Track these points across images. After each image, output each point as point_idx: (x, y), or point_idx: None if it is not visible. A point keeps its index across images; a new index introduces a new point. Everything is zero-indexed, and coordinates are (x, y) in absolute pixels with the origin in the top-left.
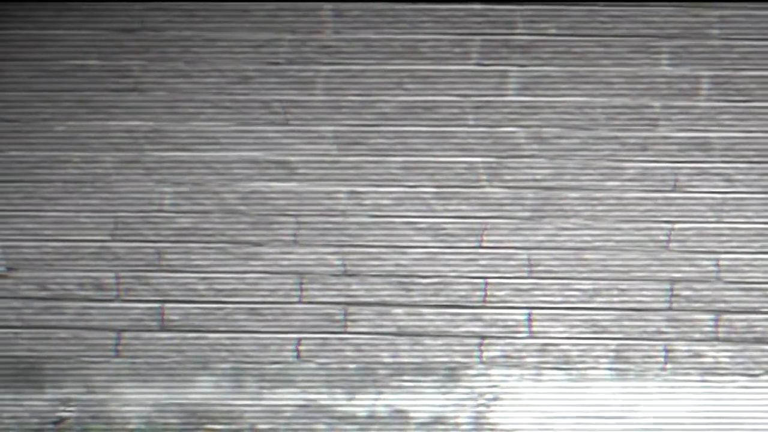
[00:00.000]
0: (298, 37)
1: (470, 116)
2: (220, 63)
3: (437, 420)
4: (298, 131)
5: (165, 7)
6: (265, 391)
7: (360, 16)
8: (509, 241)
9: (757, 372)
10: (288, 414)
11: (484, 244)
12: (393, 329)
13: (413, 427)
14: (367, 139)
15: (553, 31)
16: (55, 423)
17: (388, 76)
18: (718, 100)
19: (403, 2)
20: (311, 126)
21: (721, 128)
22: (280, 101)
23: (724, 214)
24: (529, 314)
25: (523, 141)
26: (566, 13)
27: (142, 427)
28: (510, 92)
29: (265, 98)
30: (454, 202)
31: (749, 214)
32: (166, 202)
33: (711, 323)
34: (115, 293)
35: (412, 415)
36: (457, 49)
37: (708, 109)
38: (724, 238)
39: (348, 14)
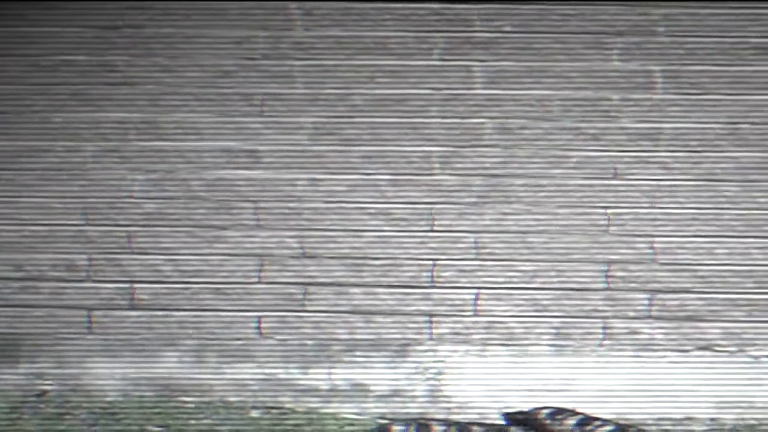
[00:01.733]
0: (271, 34)
1: (435, 108)
2: (200, 58)
3: (395, 393)
4: (272, 122)
5: (147, 6)
6: (228, 365)
7: (327, 15)
8: (457, 225)
9: (688, 348)
10: (255, 387)
11: (435, 228)
12: (348, 308)
13: (373, 399)
14: (336, 130)
15: (509, 29)
16: (37, 396)
17: (360, 70)
18: (670, 93)
19: (364, 1)
20: (286, 117)
21: (669, 119)
22: (258, 94)
23: (659, 200)
24: (476, 294)
25: (482, 132)
26: (520, 11)
27: (120, 399)
28: (474, 86)
29: (243, 91)
30: (406, 188)
31: (682, 200)
32: (136, 188)
33: (646, 302)
34: (87, 274)
35: (371, 388)
36: (421, 46)
37: (659, 102)
38: (659, 223)
39: (315, 12)
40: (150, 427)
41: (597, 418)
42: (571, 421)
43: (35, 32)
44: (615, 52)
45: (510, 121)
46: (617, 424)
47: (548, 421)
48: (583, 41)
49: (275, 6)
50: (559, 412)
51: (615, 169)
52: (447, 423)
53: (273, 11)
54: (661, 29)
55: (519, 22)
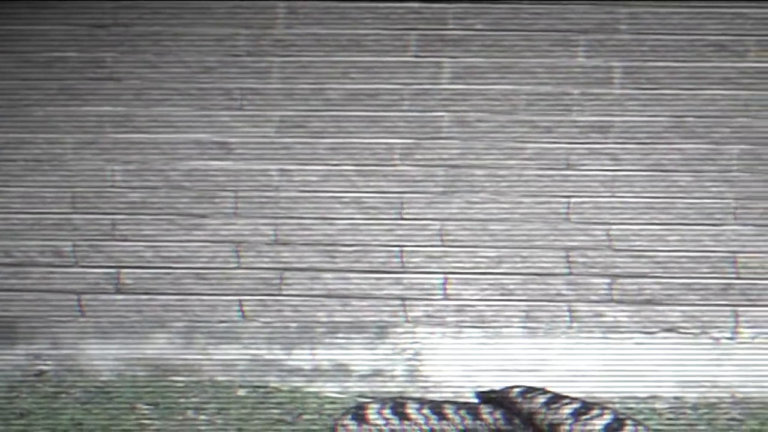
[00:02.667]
0: (253, 32)
1: (407, 102)
2: (184, 55)
3: (375, 372)
4: (248, 116)
5: (134, 5)
6: (215, 347)
7: (309, 13)
8: (424, 214)
9: (653, 330)
10: (242, 367)
11: (404, 216)
12: (324, 292)
13: (355, 378)
14: (306, 123)
15: (480, 27)
16: (34, 375)
17: (336, 66)
18: (629, 88)
19: (346, 0)
20: (264, 111)
21: (623, 113)
22: (236, 89)
23: (615, 189)
24: (444, 278)
25: (441, 125)
26: (491, 10)
27: (113, 378)
28: (444, 81)
29: (225, 86)
30: (373, 179)
31: (636, 189)
32: (117, 179)
33: (606, 287)
34: (74, 260)
35: (353, 368)
36: (396, 43)
37: (619, 96)
38: (615, 211)
39: (299, 11)
40: (140, 405)
41: (565, 397)
42: (541, 399)
43: (28, 30)
44: (580, 49)
45: (468, 114)
46: (584, 402)
47: (519, 400)
48: (551, 39)
49: (261, 5)
50: (529, 391)
51: (568, 160)
52: (421, 402)
53: (258, 10)
54: (625, 27)
55: (490, 20)
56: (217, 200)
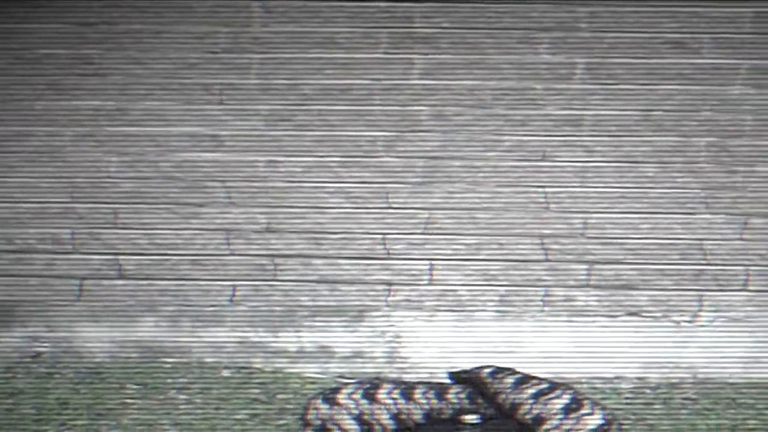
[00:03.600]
0: (232, 30)
1: (379, 97)
2: (167, 52)
3: (356, 354)
4: (232, 110)
5: (120, 4)
6: (203, 329)
7: (285, 12)
8: (409, 203)
9: (618, 313)
10: (230, 349)
11: (390, 205)
12: (315, 277)
13: (337, 360)
14: (290, 116)
15: (447, 25)
16: (31, 357)
17: (311, 63)
18: (590, 83)
19: (319, 0)
20: (244, 105)
21: (590, 107)
22: (217, 84)
23: (588, 180)
24: (430, 264)
25: (421, 118)
26: (458, 9)
27: (106, 360)
28: (414, 77)
29: (205, 82)
30: (357, 170)
31: (609, 180)
32: (113, 170)
33: (584, 272)
34: (73, 247)
35: (335, 350)
36: (368, 40)
37: (581, 91)
38: (590, 201)
39: (275, 10)
40: (129, 385)
41: (533, 377)
42: (510, 380)
43: (18, 28)
44: (543, 46)
45: (444, 108)
46: (550, 384)
47: (489, 380)
48: (514, 36)
49: (239, 4)
50: (499, 372)
51: (544, 152)
52: (396, 384)
53: (236, 9)
54: (585, 25)
55: (457, 19)
56: (208, 190)
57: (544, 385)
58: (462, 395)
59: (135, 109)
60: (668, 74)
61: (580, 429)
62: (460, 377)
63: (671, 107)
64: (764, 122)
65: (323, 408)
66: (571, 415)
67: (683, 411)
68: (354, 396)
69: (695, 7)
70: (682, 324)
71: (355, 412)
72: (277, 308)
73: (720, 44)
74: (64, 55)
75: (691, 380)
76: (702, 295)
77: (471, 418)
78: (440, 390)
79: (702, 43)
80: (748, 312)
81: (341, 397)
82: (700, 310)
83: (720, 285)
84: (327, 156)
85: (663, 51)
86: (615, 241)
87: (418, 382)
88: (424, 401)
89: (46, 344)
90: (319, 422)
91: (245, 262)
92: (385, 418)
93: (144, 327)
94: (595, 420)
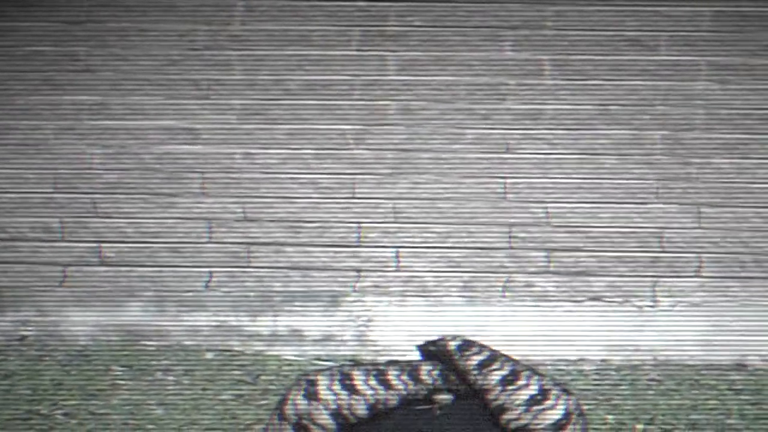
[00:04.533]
0: (212, 28)
1: (353, 92)
2: (151, 49)
3: (327, 338)
4: (212, 104)
5: (106, 3)
6: (185, 314)
7: (264, 11)
8: (377, 193)
9: (580, 299)
10: (208, 332)
11: (356, 195)
12: (287, 264)
13: (309, 343)
14: (267, 110)
15: (419, 23)
16: (19, 340)
17: (288, 59)
18: (557, 79)
19: None
20: (224, 100)
21: (554, 102)
22: (201, 80)
23: (549, 171)
24: (397, 252)
25: (389, 112)
26: (429, 8)
27: (90, 343)
28: (389, 73)
29: (187, 77)
30: (329, 161)
31: (568, 171)
32: (96, 161)
33: (544, 259)
34: (60, 235)
35: (306, 333)
36: (342, 38)
37: (548, 86)
38: (550, 190)
39: (254, 9)
40: (115, 367)
41: (501, 356)
42: (475, 360)
43: (8, 26)
44: (509, 43)
45: (412, 103)
46: (514, 367)
47: (456, 356)
48: (483, 34)
49: (219, 3)
50: (466, 347)
51: (507, 144)
52: (367, 369)
53: (218, 7)
54: (550, 24)
55: (428, 17)
56: (187, 181)
57: (508, 370)
58: (435, 373)
59: (120, 103)
60: (629, 70)
61: (539, 424)
62: (428, 350)
63: (630, 102)
64: (719, 116)
65: (302, 404)
66: (533, 408)
67: (648, 392)
68: (333, 387)
69: (656, 6)
70: (644, 309)
71: (333, 407)
72: (252, 294)
73: (678, 42)
74: (52, 52)
75: (652, 362)
76: (658, 281)
77: (444, 397)
78: (413, 370)
79: (659, 41)
80: (703, 297)
81: (321, 390)
82: (658, 296)
83: (675, 271)
84: (301, 148)
85: (623, 48)
86: (574, 229)
87: (390, 363)
88: (401, 386)
89: (33, 328)
90: (295, 417)
91: (221, 249)
92: (362, 409)
93: (126, 311)
94: (556, 414)
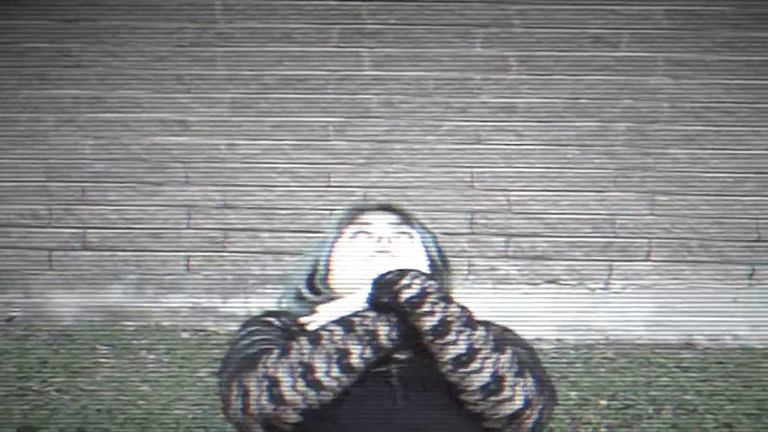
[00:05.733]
0: (198, 26)
1: (331, 87)
2: (140, 45)
3: None
4: (198, 98)
5: (97, 2)
6: (163, 296)
7: (244, 10)
8: (350, 182)
9: (537, 282)
10: (184, 313)
11: (331, 184)
12: (261, 249)
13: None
14: (250, 103)
15: (392, 21)
16: (7, 320)
17: (269, 55)
18: (523, 74)
19: None
20: (209, 94)
21: (521, 96)
22: (188, 75)
23: (514, 161)
24: None
25: (369, 105)
26: (402, 7)
27: (74, 323)
28: (365, 68)
29: (175, 72)
30: (308, 152)
31: (532, 161)
32: (87, 152)
33: (503, 244)
34: (48, 221)
35: None
36: (320, 35)
37: (514, 81)
38: (513, 180)
39: (234, 8)
40: (98, 346)
41: (454, 323)
42: (428, 324)
43: (5, 24)
44: (478, 40)
45: (391, 97)
46: (469, 343)
47: (408, 311)
48: (453, 32)
49: (202, 2)
50: (419, 301)
51: (478, 136)
52: (329, 353)
53: (200, 7)
54: (517, 22)
55: (401, 16)
56: (171, 170)
57: (464, 347)
58: (394, 335)
59: (111, 97)
60: (592, 66)
61: (495, 414)
62: (380, 303)
63: (594, 96)
64: (677, 109)
65: (268, 407)
66: (490, 399)
67: (602, 369)
68: (299, 387)
69: (614, 5)
70: (597, 291)
71: (302, 407)
72: (231, 277)
73: (637, 39)
74: (47, 49)
75: (605, 341)
76: (612, 265)
77: (401, 355)
78: (373, 338)
79: (621, 38)
80: (654, 280)
81: (286, 393)
82: (611, 278)
83: (627, 255)
84: (281, 140)
85: (586, 45)
86: (533, 216)
87: (345, 325)
88: (362, 366)
89: (19, 309)
90: (261, 417)
91: (199, 235)
92: (328, 400)
93: (108, 294)
94: (515, 405)
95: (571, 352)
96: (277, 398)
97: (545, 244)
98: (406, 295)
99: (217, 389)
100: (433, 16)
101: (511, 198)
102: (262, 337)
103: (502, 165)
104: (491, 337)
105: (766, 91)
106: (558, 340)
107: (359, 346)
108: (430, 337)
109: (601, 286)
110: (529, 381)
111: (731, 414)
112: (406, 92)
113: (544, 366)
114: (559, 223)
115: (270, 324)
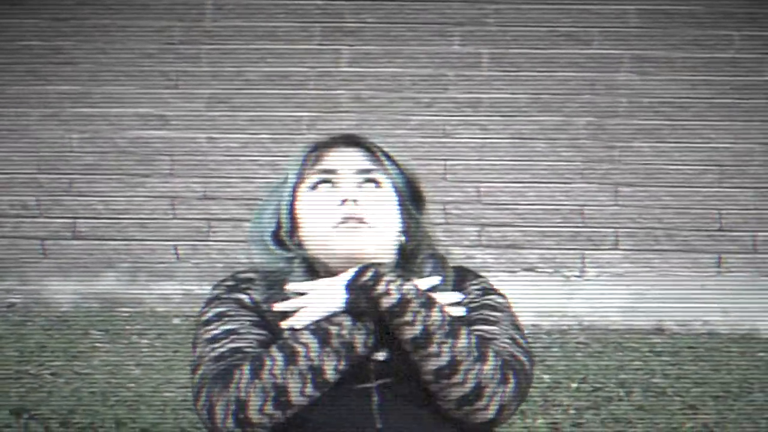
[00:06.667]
0: (186, 24)
1: (312, 82)
2: (129, 43)
3: None
4: (185, 93)
5: (88, 2)
6: (155, 283)
7: (232, 9)
8: None
9: (515, 269)
10: (176, 300)
11: None
12: (243, 237)
13: None
14: (233, 99)
15: (372, 20)
16: (6, 307)
17: (254, 53)
18: (495, 70)
19: None
20: (195, 90)
21: (490, 91)
22: (174, 71)
23: (484, 154)
24: None
25: (341, 101)
26: (381, 6)
27: (70, 309)
28: (343, 65)
29: (162, 69)
30: (285, 145)
31: (501, 154)
32: (75, 145)
33: (476, 233)
34: (39, 212)
35: None
36: (303, 33)
37: (487, 77)
38: (484, 172)
39: (223, 7)
40: (93, 331)
41: (437, 333)
42: (409, 335)
43: None
44: (455, 38)
45: (363, 92)
46: (452, 355)
47: (388, 320)
48: (430, 30)
49: (191, 1)
50: (401, 310)
51: (444, 129)
52: (302, 372)
53: (189, 5)
54: (492, 20)
55: (380, 14)
56: (156, 163)
57: (446, 360)
58: (370, 342)
59: (100, 93)
60: (562, 62)
61: (469, 421)
62: (358, 310)
63: (561, 91)
64: (641, 104)
65: (234, 429)
66: (464, 408)
67: (577, 354)
68: (267, 411)
69: (585, 4)
70: (571, 278)
71: (269, 425)
72: (218, 265)
73: (609, 37)
74: (38, 47)
75: (578, 327)
76: (583, 253)
77: (379, 355)
78: (349, 349)
79: (592, 36)
80: (626, 268)
81: (253, 417)
82: (585, 267)
83: (594, 244)
84: (260, 133)
85: (559, 42)
86: (503, 206)
87: (321, 337)
88: (336, 378)
89: (18, 296)
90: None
91: (186, 225)
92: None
93: (102, 281)
94: (488, 414)
95: (545, 336)
96: (242, 421)
97: (517, 234)
98: (385, 303)
99: (190, 383)
100: (412, 15)
101: (482, 189)
102: (231, 326)
103: (474, 158)
104: (474, 342)
105: (727, 87)
106: (533, 325)
107: (334, 360)
108: (410, 347)
109: (576, 273)
110: (510, 386)
111: (698, 396)
112: (382, 88)
113: (522, 343)
114: (529, 213)
115: (240, 303)
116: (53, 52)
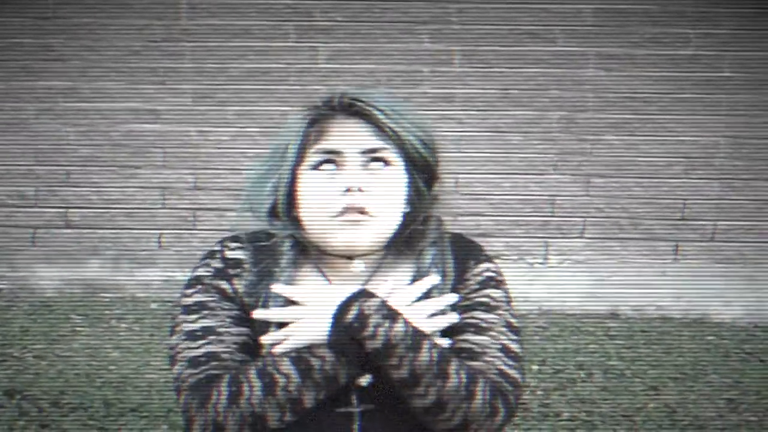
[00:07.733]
0: (165, 22)
1: (290, 78)
2: (115, 40)
3: None
4: (169, 89)
5: (75, 1)
6: (137, 270)
7: (206, 8)
8: None
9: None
10: (156, 286)
11: None
12: (228, 227)
13: None
14: (217, 94)
15: (341, 19)
16: None
17: (233, 50)
18: (465, 67)
19: None
20: (179, 85)
21: (462, 87)
22: (158, 68)
23: (461, 147)
24: None
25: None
26: (350, 5)
27: (55, 295)
28: (320, 61)
29: (147, 65)
30: (271, 138)
31: (478, 146)
32: (71, 138)
33: (450, 222)
34: (34, 202)
35: None
36: (278, 31)
37: (459, 73)
38: (461, 164)
39: (198, 6)
40: (74, 316)
41: (425, 375)
42: (396, 376)
43: None
44: (424, 36)
45: (342, 87)
46: (439, 395)
47: (375, 360)
48: (399, 28)
49: (167, 0)
50: (387, 353)
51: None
52: (279, 402)
53: (166, 5)
54: (455, 19)
55: (349, 13)
56: (148, 155)
57: (432, 399)
58: (352, 371)
59: (89, 88)
60: (527, 59)
61: None
62: (342, 347)
63: (529, 87)
64: (609, 99)
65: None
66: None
67: (535, 337)
68: None
69: (544, 3)
70: (535, 265)
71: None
72: (198, 252)
73: (571, 35)
74: (29, 44)
75: (538, 311)
76: (549, 242)
77: (363, 380)
78: (330, 383)
79: (555, 34)
80: (587, 255)
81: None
82: (548, 254)
83: (563, 233)
84: (247, 127)
85: (523, 40)
86: (478, 197)
87: (302, 368)
88: (315, 404)
89: (5, 282)
90: None
91: (172, 214)
92: None
93: (87, 268)
94: None
95: None
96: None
97: (489, 223)
98: (370, 347)
99: (170, 375)
100: (381, 14)
101: (459, 181)
102: (210, 323)
103: (450, 150)
104: (464, 381)
105: (689, 83)
106: None
107: (314, 392)
108: (397, 386)
109: (540, 260)
110: (499, 417)
111: (657, 378)
112: (357, 84)
113: (513, 349)
114: (503, 203)
115: (222, 293)
116: (43, 49)
